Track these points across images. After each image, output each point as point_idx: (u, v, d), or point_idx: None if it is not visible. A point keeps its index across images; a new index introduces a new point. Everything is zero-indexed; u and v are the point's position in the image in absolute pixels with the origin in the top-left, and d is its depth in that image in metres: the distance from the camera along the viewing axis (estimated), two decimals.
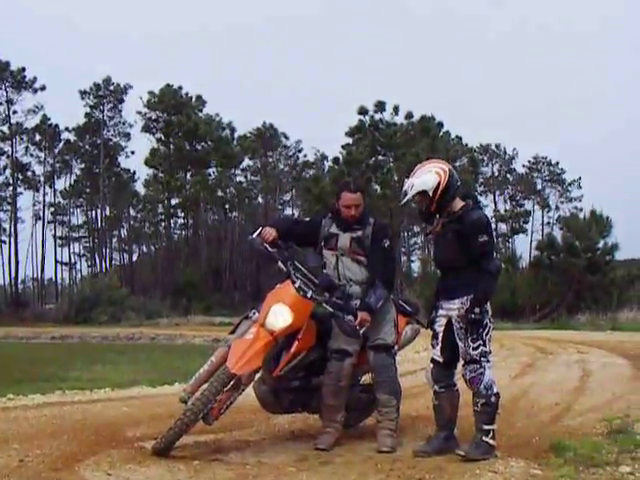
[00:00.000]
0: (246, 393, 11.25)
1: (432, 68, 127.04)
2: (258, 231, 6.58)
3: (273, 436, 7.32)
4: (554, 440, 6.64)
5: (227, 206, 78.65)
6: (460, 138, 69.91)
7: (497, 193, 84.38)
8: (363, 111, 53.34)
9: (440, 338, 6.34)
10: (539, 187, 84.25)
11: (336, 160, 55.17)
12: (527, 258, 61.71)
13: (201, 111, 73.89)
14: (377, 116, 53.59)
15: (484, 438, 6.09)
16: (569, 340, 23.69)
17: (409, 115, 53.55)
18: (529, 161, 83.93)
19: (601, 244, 42.42)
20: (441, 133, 56.72)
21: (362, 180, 48.57)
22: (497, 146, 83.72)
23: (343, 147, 54.51)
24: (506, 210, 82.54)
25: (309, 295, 6.33)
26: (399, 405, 6.82)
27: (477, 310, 6.02)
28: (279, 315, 6.16)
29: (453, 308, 6.22)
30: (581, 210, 67.04)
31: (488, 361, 6.20)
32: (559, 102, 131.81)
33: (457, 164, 56.69)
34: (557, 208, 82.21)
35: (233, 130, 75.67)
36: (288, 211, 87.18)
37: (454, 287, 6.25)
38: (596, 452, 6.22)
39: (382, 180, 51.74)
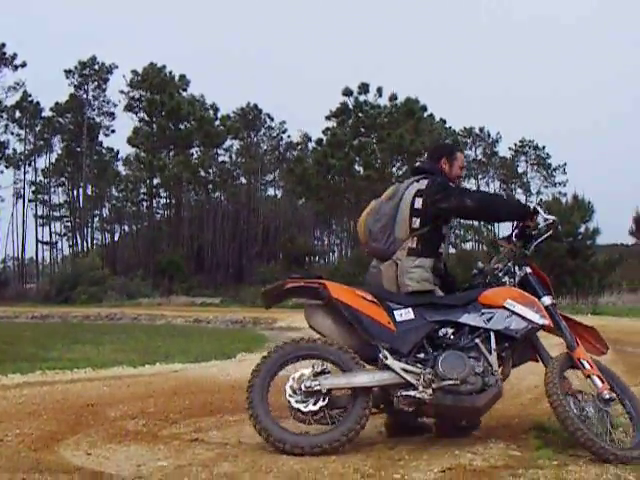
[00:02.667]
0: (226, 373, 11.21)
1: (417, 51, 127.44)
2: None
3: None
4: (534, 422, 6.68)
5: (210, 186, 78.44)
6: (444, 121, 69.97)
7: (480, 177, 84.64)
8: (347, 92, 53.20)
9: None
10: (521, 171, 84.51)
11: (320, 141, 55.03)
12: None
13: (185, 90, 73.60)
14: (361, 98, 53.48)
15: None
16: None
17: (393, 97, 53.45)
18: (515, 144, 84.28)
19: (582, 229, 42.47)
20: (425, 115, 56.62)
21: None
22: (481, 129, 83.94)
23: (326, 129, 54.37)
24: None
25: None
26: None
27: None
28: None
29: None
30: (565, 195, 67.51)
31: None
32: (544, 89, 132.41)
33: None
34: (539, 192, 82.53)
35: (216, 110, 75.43)
36: (270, 192, 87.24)
37: None
38: None
39: (366, 161, 51.59)
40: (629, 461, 5.24)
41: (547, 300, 5.96)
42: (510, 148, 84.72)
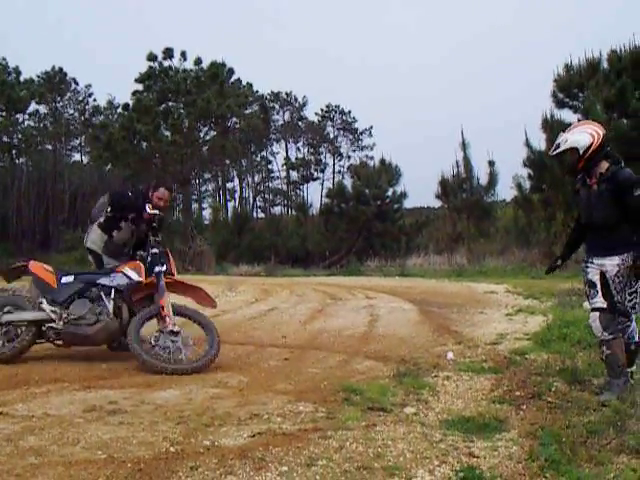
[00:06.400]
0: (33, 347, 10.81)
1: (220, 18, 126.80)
2: None
3: (60, 387, 7.10)
4: (343, 384, 6.75)
5: (14, 152, 76.23)
6: (251, 85, 69.88)
7: (290, 140, 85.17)
8: (151, 57, 52.42)
9: (599, 287, 6.72)
10: (331, 135, 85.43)
11: (126, 106, 54.09)
12: (318, 206, 62.81)
13: None
14: (166, 63, 52.81)
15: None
16: (359, 286, 23.79)
17: (198, 61, 53.06)
18: (322, 109, 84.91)
19: (390, 192, 43.26)
20: (232, 80, 56.51)
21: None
22: (288, 94, 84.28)
23: (134, 93, 53.49)
24: (297, 158, 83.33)
25: None
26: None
27: None
28: None
29: (612, 264, 6.62)
30: (372, 158, 68.76)
31: (635, 313, 6.75)
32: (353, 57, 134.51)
33: (248, 111, 56.75)
34: (349, 157, 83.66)
35: (19, 74, 73.06)
36: (77, 157, 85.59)
37: (612, 244, 6.65)
38: (383, 395, 6.39)
39: (172, 126, 51.10)
40: (196, 370, 7.90)
41: (157, 268, 8.92)
42: (317, 113, 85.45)
